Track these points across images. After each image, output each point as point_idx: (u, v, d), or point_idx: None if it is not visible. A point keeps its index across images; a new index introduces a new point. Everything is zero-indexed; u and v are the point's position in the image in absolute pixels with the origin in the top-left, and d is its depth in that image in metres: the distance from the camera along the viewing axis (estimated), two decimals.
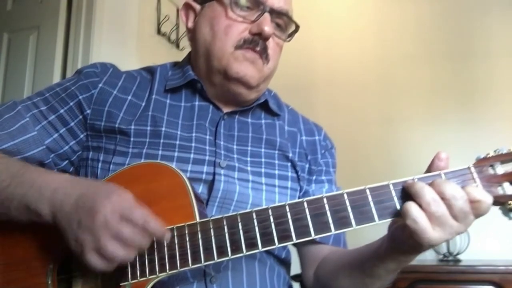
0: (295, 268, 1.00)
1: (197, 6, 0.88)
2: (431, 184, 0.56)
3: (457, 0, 2.64)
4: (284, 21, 0.87)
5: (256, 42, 0.81)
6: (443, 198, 0.55)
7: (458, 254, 2.18)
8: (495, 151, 0.60)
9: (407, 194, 0.58)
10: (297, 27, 0.89)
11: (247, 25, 0.82)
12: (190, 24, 0.89)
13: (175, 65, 0.94)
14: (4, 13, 2.57)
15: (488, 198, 0.55)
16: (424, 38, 2.64)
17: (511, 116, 2.36)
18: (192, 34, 0.89)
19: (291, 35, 0.89)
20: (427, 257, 2.30)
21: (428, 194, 0.55)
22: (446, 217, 0.55)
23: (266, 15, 0.81)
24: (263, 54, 0.82)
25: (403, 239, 0.59)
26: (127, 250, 0.59)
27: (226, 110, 0.87)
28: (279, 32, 0.87)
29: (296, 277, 1.53)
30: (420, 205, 0.55)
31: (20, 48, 2.43)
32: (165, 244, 0.63)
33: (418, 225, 0.54)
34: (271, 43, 0.84)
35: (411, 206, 0.55)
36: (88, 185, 0.66)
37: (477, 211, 0.56)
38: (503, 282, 1.84)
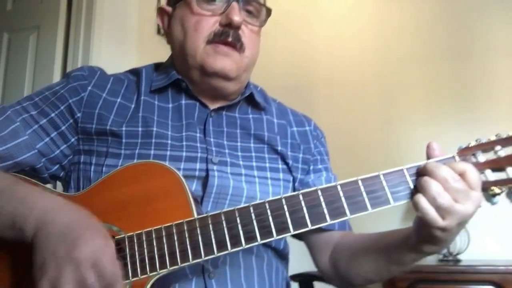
0: (295, 268, 1.00)
1: (170, 9, 0.90)
2: (425, 172, 0.61)
3: (457, 0, 2.64)
4: (255, 7, 0.86)
5: (227, 34, 0.81)
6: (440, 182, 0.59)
7: (458, 254, 2.18)
8: (476, 140, 0.64)
9: (397, 183, 0.62)
10: (269, 11, 0.88)
11: (216, 18, 0.82)
12: (166, 28, 0.91)
13: (160, 65, 0.94)
14: (4, 13, 2.58)
15: (468, 166, 0.60)
16: (424, 38, 2.64)
17: (511, 116, 2.36)
18: (169, 36, 0.90)
19: (265, 20, 0.89)
20: (427, 257, 2.30)
21: (433, 188, 0.59)
22: (452, 206, 0.58)
23: (234, 5, 0.81)
24: (237, 43, 0.82)
25: (422, 229, 0.63)
26: None
27: (213, 106, 0.88)
28: (252, 19, 0.86)
29: (296, 277, 1.53)
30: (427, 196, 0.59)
31: (20, 48, 2.43)
32: (164, 241, 0.63)
33: (427, 215, 0.59)
34: (245, 32, 0.84)
35: (420, 199, 0.59)
36: (81, 216, 0.63)
37: (470, 182, 0.59)
38: (503, 282, 1.84)
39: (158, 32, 2.61)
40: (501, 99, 2.42)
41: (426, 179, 0.60)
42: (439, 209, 0.58)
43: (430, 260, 2.27)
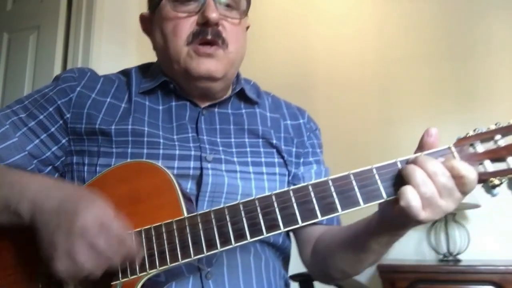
0: (295, 268, 1.00)
1: (150, 15, 0.89)
2: (414, 162, 0.58)
3: (457, 0, 2.63)
4: (233, 0, 0.84)
5: (205, 32, 0.79)
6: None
7: (458, 254, 2.18)
8: (474, 130, 0.61)
9: (390, 177, 0.59)
10: (248, 1, 0.87)
11: (193, 18, 0.81)
12: (149, 34, 0.91)
13: (150, 66, 0.94)
14: (4, 13, 2.58)
15: (471, 173, 0.56)
16: (424, 37, 2.64)
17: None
18: (153, 42, 0.89)
19: (246, 10, 0.87)
20: (427, 257, 2.30)
21: (418, 175, 0.56)
22: (435, 198, 0.56)
23: (209, 2, 0.80)
24: (218, 40, 0.80)
25: (392, 215, 0.60)
26: (97, 262, 0.58)
27: (203, 105, 0.87)
28: (231, 12, 0.84)
29: (296, 277, 1.53)
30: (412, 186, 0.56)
31: (20, 48, 2.43)
32: (154, 241, 0.63)
33: (411, 207, 0.55)
34: (226, 26, 0.82)
35: (407, 189, 0.56)
36: (73, 189, 0.65)
37: (463, 188, 0.56)
38: (503, 282, 1.83)
39: None
40: (502, 99, 2.42)
41: (413, 166, 0.57)
42: (422, 198, 0.55)
43: (430, 260, 2.27)
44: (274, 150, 0.88)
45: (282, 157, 0.88)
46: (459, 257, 2.18)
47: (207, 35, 0.80)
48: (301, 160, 0.93)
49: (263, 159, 0.85)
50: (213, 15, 0.79)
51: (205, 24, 0.80)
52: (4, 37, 2.53)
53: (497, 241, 2.22)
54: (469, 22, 2.58)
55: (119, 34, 2.37)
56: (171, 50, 0.82)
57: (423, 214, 0.56)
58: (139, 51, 2.42)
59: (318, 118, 1.01)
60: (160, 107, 0.85)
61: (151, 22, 0.88)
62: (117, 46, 2.34)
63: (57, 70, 2.27)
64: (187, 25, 0.81)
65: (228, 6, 0.84)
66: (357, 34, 2.79)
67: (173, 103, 0.86)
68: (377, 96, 2.67)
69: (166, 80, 0.85)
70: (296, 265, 0.95)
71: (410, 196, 0.55)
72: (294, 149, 0.92)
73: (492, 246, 2.23)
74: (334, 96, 2.75)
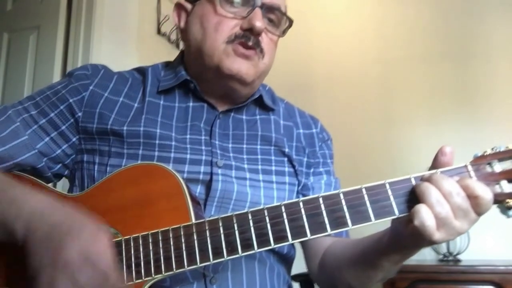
0: (296, 268, 1.00)
1: (189, 6, 0.88)
2: (429, 180, 0.56)
3: (457, 0, 2.64)
4: (277, 16, 0.85)
5: (247, 38, 0.80)
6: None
7: (458, 254, 2.18)
8: (492, 149, 0.59)
9: (403, 193, 0.58)
10: (291, 21, 0.87)
11: (238, 21, 0.81)
12: (182, 24, 0.89)
13: (168, 65, 0.93)
14: (4, 13, 2.57)
15: (487, 194, 0.54)
16: (424, 37, 2.65)
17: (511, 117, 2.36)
18: (184, 34, 0.88)
19: (285, 30, 0.88)
20: (427, 257, 2.30)
21: (433, 195, 0.54)
22: (450, 219, 0.54)
23: (257, 10, 0.80)
24: (257, 48, 0.81)
25: (405, 234, 0.59)
26: None
27: (221, 108, 0.87)
28: (272, 27, 0.85)
29: (297, 277, 1.53)
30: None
31: (20, 48, 2.42)
32: (161, 246, 0.63)
33: (425, 227, 0.54)
34: (264, 39, 0.83)
35: (421, 208, 0.54)
36: (66, 214, 0.61)
37: (478, 208, 0.55)
38: (503, 282, 1.84)
39: (158, 32, 2.61)
40: (501, 99, 2.42)
41: (428, 185, 0.55)
42: (436, 218, 0.54)
43: (430, 260, 2.27)
44: (285, 159, 0.87)
45: (293, 167, 0.88)
46: (459, 257, 2.18)
47: (248, 41, 0.80)
48: (312, 170, 0.92)
49: (273, 168, 0.85)
50: (259, 24, 0.79)
51: (249, 30, 0.80)
52: (4, 37, 2.53)
53: (497, 241, 2.23)
54: (469, 22, 2.58)
55: (119, 34, 2.37)
56: (207, 44, 0.81)
57: (437, 235, 0.55)
58: (139, 51, 2.42)
59: (318, 117, 1.01)
60: (176, 105, 0.85)
61: (188, 13, 0.88)
62: (117, 46, 2.34)
63: (57, 70, 2.26)
64: (231, 26, 0.81)
65: (271, 21, 0.85)
66: (357, 33, 2.79)
67: (191, 104, 0.86)
68: (377, 96, 2.67)
69: (187, 79, 0.84)
70: (297, 265, 0.95)
71: (425, 216, 0.54)
72: (305, 159, 0.91)
73: (492, 246, 2.23)
74: (334, 95, 2.75)
